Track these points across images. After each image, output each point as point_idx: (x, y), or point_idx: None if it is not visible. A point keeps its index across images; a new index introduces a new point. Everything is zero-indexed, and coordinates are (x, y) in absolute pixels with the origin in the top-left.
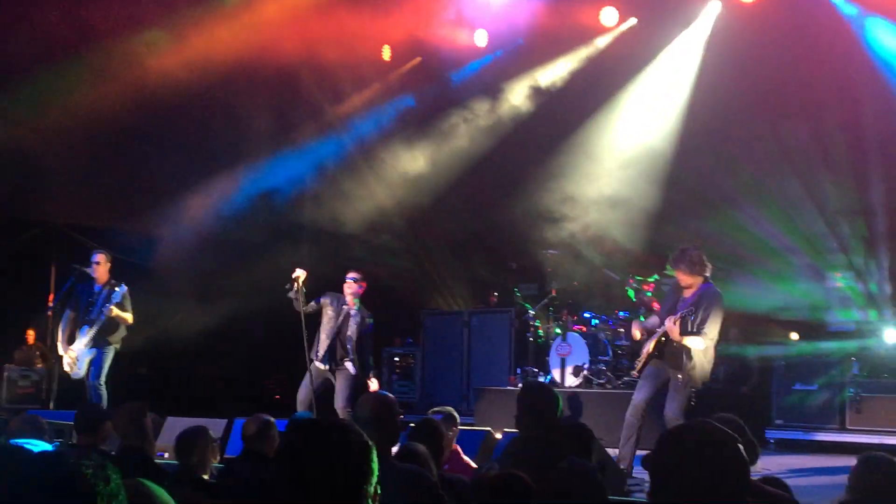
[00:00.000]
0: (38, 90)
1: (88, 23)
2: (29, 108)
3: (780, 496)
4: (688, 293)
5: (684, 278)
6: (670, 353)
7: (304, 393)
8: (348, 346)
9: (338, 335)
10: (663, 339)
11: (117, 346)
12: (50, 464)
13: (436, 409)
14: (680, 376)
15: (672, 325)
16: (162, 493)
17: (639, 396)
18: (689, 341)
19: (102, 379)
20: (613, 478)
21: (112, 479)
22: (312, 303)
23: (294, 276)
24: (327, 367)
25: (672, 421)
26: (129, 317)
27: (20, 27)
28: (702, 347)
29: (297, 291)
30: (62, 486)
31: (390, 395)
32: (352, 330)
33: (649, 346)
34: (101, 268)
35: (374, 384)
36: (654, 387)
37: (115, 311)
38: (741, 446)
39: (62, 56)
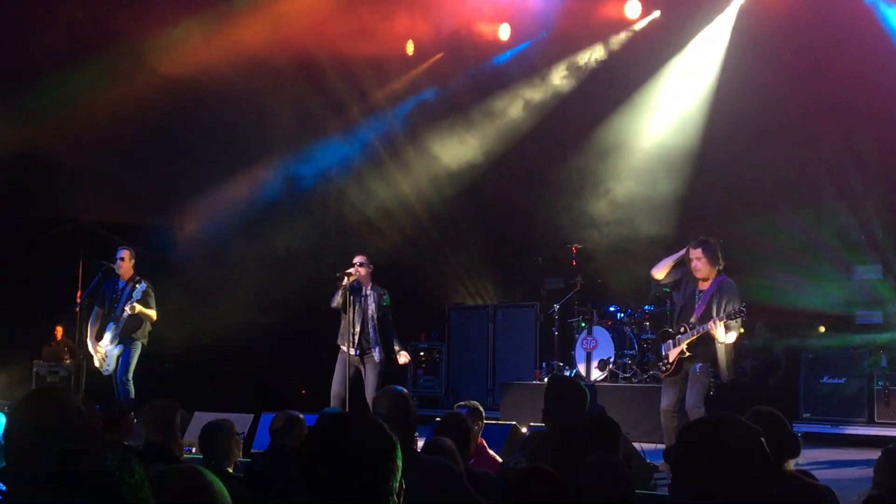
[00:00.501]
0: (64, 88)
1: (112, 20)
2: (54, 106)
3: (817, 486)
4: (704, 285)
5: (703, 269)
6: (693, 346)
7: (337, 387)
8: (371, 328)
9: (362, 320)
10: (695, 338)
11: (144, 341)
12: (74, 457)
13: (461, 403)
14: (699, 365)
15: (715, 327)
16: (220, 486)
17: (666, 402)
18: (728, 338)
19: (129, 375)
20: (640, 471)
21: (136, 471)
22: (339, 298)
23: (348, 270)
24: (356, 354)
25: (693, 410)
26: (152, 313)
27: (44, 25)
28: (734, 340)
29: (344, 285)
30: (87, 479)
31: (404, 389)
32: (372, 309)
33: (682, 347)
34: (125, 264)
35: (402, 357)
36: (679, 389)
37: (138, 308)
38: (763, 440)
39: (87, 53)
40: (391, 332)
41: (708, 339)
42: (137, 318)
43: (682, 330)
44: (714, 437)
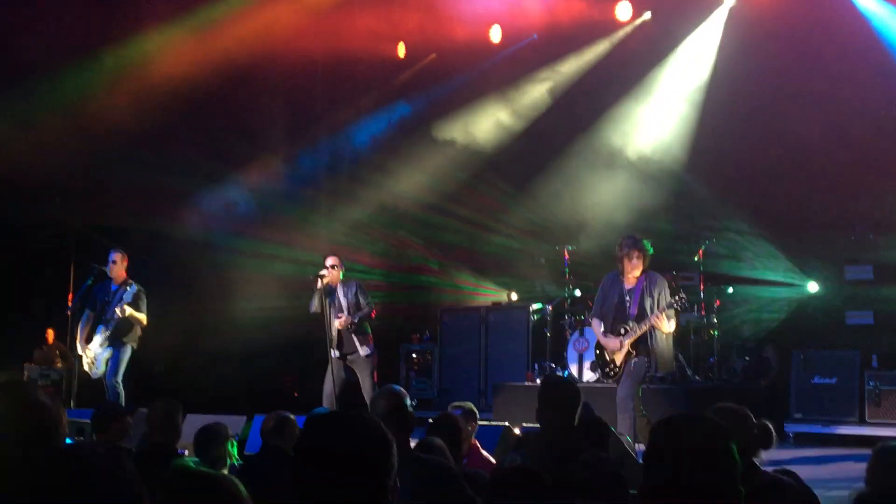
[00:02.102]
0: (54, 91)
1: (102, 23)
2: (45, 109)
3: (790, 485)
4: (631, 283)
5: (636, 266)
6: (635, 344)
7: (328, 386)
8: (356, 317)
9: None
10: (638, 336)
11: (134, 344)
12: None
13: (455, 404)
14: (637, 359)
15: (659, 319)
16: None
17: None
18: (670, 326)
19: (119, 377)
20: (633, 472)
21: (127, 466)
22: (316, 301)
23: (321, 273)
24: (339, 356)
25: (625, 401)
26: (142, 317)
27: (34, 30)
28: (674, 329)
29: (318, 289)
30: (77, 477)
31: (401, 388)
32: (345, 303)
33: (627, 347)
34: (117, 267)
35: (363, 350)
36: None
37: (129, 311)
38: (734, 441)
39: (77, 57)
40: (360, 313)
41: (646, 334)
42: (128, 322)
43: (622, 331)
44: (683, 436)
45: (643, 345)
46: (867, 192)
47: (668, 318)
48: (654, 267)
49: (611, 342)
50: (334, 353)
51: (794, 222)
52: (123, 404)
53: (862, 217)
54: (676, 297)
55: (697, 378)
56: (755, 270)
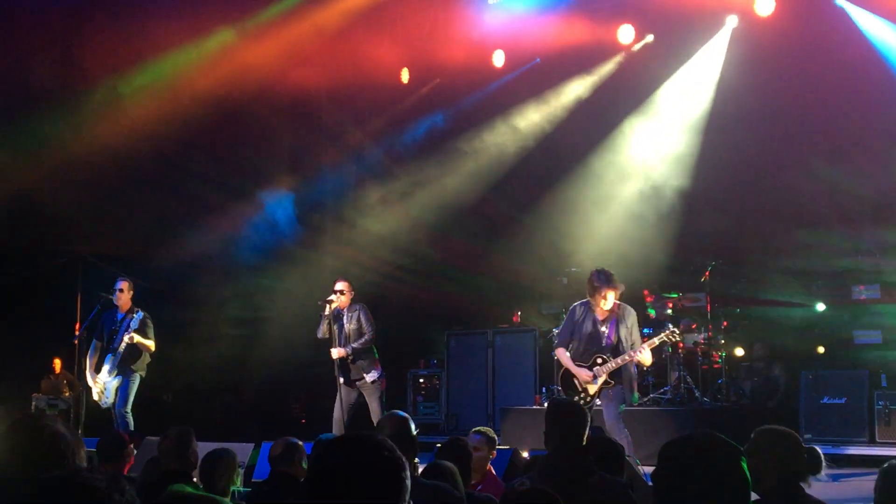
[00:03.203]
0: (58, 121)
1: (110, 52)
2: (49, 139)
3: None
4: (603, 314)
5: (611, 299)
6: (612, 374)
7: (336, 413)
8: (350, 349)
9: (343, 346)
10: (615, 365)
11: (142, 373)
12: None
13: (478, 429)
14: (615, 388)
15: (641, 353)
16: None
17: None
18: (649, 359)
19: (129, 407)
20: (643, 494)
21: (126, 491)
22: (323, 327)
23: (329, 298)
24: (345, 382)
25: (615, 424)
26: (150, 344)
27: (43, 56)
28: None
29: (326, 315)
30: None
31: (406, 414)
32: (346, 330)
33: (604, 377)
34: (123, 295)
35: (370, 376)
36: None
37: (136, 339)
38: (744, 460)
39: (80, 86)
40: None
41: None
42: (136, 349)
43: (599, 361)
44: (693, 455)
45: (617, 375)
46: (873, 208)
47: (643, 350)
48: (663, 288)
49: (583, 373)
50: (341, 379)
51: (801, 242)
52: (133, 433)
53: (868, 236)
54: (669, 331)
55: (706, 399)
56: (762, 291)
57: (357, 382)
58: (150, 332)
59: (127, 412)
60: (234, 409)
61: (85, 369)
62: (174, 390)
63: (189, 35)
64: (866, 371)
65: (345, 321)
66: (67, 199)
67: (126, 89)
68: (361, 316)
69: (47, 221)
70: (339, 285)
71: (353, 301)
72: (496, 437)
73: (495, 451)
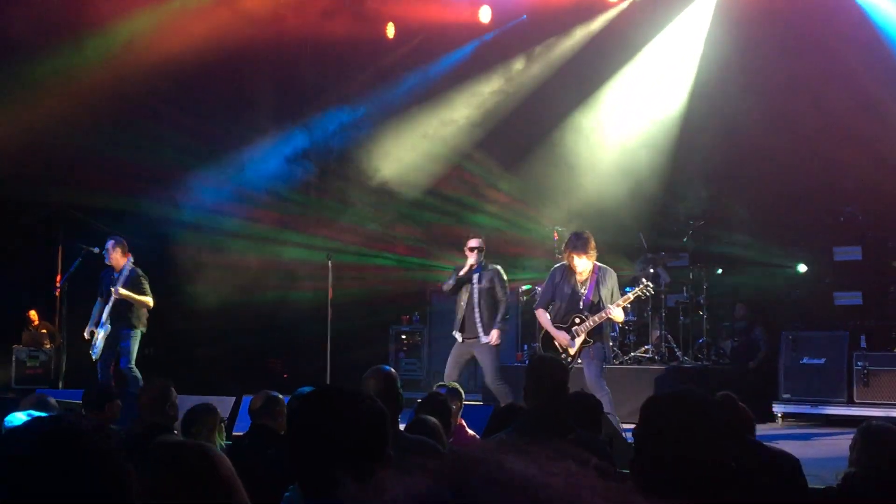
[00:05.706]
0: (42, 71)
1: (89, 2)
2: (32, 89)
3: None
4: (582, 276)
5: (587, 262)
6: (590, 333)
7: (448, 367)
8: (476, 313)
9: (467, 305)
10: (592, 323)
11: (143, 328)
12: (49, 423)
13: (441, 383)
14: (594, 345)
15: (614, 311)
16: (229, 464)
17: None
18: (621, 316)
19: (132, 362)
20: (622, 452)
21: (111, 438)
22: (451, 281)
23: (469, 262)
24: (462, 339)
25: (596, 381)
26: (145, 299)
27: (17, 8)
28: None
29: (463, 273)
30: (62, 442)
31: (392, 369)
32: (477, 295)
33: (583, 336)
34: (113, 254)
35: (485, 337)
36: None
37: (123, 292)
38: (719, 414)
39: (65, 36)
40: (496, 313)
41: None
42: (126, 303)
43: (577, 321)
44: (673, 412)
45: (597, 333)
46: (856, 173)
47: (622, 308)
48: (650, 248)
49: (562, 336)
50: (459, 337)
51: (784, 204)
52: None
53: (851, 198)
54: (642, 285)
55: (687, 359)
56: (744, 252)
57: (470, 340)
58: (144, 287)
59: (132, 368)
60: (215, 363)
61: (62, 323)
62: (156, 344)
63: None
64: (846, 332)
65: (475, 280)
66: (48, 150)
67: (106, 40)
68: (496, 279)
69: (28, 172)
70: (475, 242)
71: (487, 262)
72: (461, 390)
73: (461, 403)
